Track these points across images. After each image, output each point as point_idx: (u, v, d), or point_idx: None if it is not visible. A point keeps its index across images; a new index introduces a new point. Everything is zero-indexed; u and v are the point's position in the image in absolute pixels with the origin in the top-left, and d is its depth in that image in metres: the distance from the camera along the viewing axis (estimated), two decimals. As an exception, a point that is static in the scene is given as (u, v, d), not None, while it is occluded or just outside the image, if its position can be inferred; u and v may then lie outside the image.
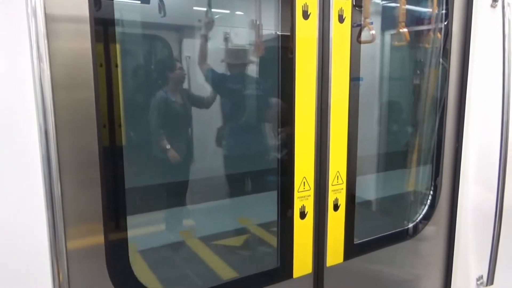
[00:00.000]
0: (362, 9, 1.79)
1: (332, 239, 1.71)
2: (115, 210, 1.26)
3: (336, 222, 1.71)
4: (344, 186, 1.70)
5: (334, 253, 1.74)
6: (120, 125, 1.25)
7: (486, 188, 2.08)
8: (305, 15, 1.46)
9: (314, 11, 1.48)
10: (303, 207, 1.60)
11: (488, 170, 2.06)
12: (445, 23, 1.98)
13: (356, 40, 1.65)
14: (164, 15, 2.53)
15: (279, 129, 1.59)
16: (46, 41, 1.02)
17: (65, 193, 1.11)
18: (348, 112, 1.64)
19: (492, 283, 2.08)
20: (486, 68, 2.00)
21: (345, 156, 1.68)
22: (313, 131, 1.57)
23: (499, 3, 1.90)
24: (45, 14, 1.01)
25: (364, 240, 1.88)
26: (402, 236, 2.04)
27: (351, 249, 1.78)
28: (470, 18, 1.94)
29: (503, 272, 2.12)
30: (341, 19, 1.55)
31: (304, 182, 1.58)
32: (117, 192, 1.26)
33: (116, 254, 1.27)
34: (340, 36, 1.57)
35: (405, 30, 2.37)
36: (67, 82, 1.11)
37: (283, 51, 1.49)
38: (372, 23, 2.85)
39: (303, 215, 1.61)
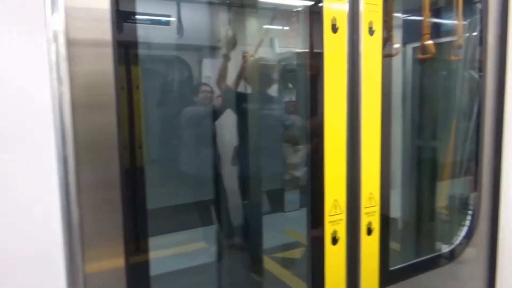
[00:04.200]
0: (387, 22, 1.73)
1: (366, 266, 1.60)
2: (136, 232, 1.23)
3: (370, 247, 1.60)
4: (377, 208, 1.59)
5: (369, 281, 1.62)
6: (140, 147, 1.24)
7: None
8: (334, 29, 1.39)
9: (343, 24, 1.42)
10: (334, 232, 1.50)
11: None
12: (479, 33, 1.89)
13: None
14: (182, 36, 2.53)
15: (309, 149, 1.51)
16: (67, 64, 1.01)
17: (84, 217, 1.08)
18: (380, 129, 1.56)
19: None
20: None
21: (378, 176, 1.58)
22: (344, 150, 1.48)
23: None
24: (67, 38, 1.01)
25: (400, 266, 1.75)
26: (441, 260, 1.90)
27: (387, 276, 1.66)
28: (505, 27, 1.85)
29: None
30: (371, 31, 1.49)
31: (335, 205, 1.49)
32: (138, 214, 1.23)
33: (138, 277, 1.22)
34: (371, 49, 1.50)
35: (430, 42, 2.30)
36: (87, 105, 1.09)
37: (312, 66, 1.43)
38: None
39: (335, 240, 1.51)
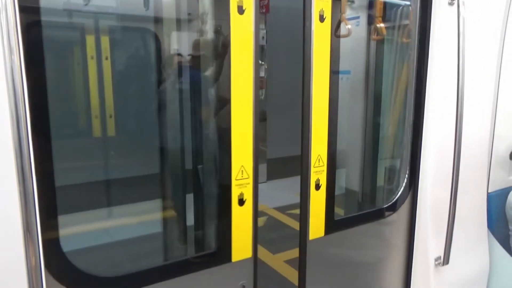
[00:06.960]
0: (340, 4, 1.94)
1: (314, 216, 1.88)
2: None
3: (318, 200, 1.88)
4: (325, 168, 1.87)
5: (316, 228, 1.91)
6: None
7: (443, 178, 2.20)
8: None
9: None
10: (241, 194, 1.64)
11: (445, 163, 2.18)
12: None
13: (335, 35, 1.80)
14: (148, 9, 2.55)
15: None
16: (16, 33, 1.00)
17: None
18: (328, 102, 1.80)
19: (447, 263, 2.24)
20: (444, 64, 2.10)
21: (326, 142, 1.84)
22: (251, 120, 1.59)
23: (456, 1, 1.98)
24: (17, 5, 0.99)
25: (342, 217, 2.07)
26: (374, 216, 2.21)
27: (332, 225, 1.96)
28: (429, 15, 2.05)
29: (458, 252, 2.30)
30: (321, 18, 1.71)
31: (242, 171, 1.62)
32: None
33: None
34: (321, 34, 1.71)
35: (382, 25, 2.53)
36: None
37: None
38: (359, 17, 2.96)
39: (241, 202, 1.65)
